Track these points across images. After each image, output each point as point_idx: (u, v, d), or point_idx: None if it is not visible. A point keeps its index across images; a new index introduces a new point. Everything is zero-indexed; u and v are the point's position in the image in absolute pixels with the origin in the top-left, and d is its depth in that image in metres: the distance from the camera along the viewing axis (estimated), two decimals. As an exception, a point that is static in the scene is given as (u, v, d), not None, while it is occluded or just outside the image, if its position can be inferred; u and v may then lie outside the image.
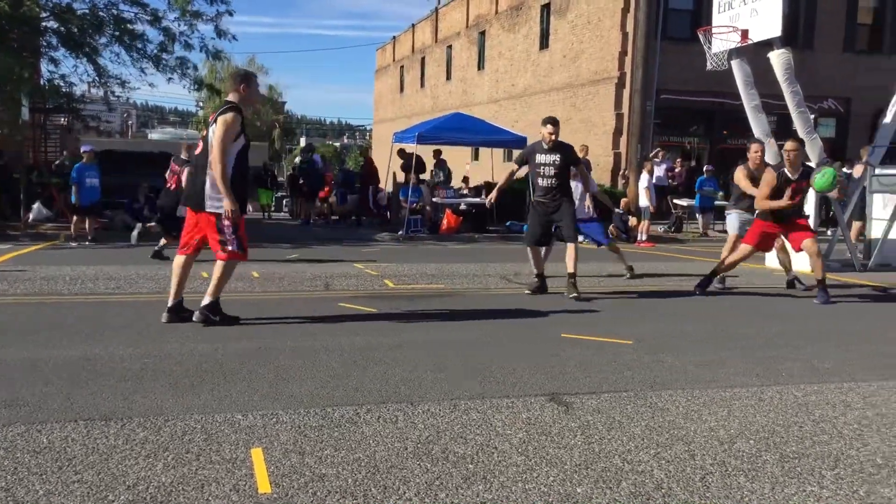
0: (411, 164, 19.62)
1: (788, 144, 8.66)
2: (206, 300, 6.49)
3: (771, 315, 7.88)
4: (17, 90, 17.09)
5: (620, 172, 22.00)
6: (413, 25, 43.68)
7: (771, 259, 11.69)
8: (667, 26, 22.60)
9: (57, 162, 21.90)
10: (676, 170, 21.80)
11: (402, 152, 20.43)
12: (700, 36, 12.64)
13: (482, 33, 33.56)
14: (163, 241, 11.51)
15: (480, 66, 33.80)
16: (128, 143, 46.04)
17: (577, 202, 9.19)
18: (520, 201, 17.83)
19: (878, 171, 12.36)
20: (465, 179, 23.19)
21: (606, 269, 10.67)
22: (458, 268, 11.13)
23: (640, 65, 19.88)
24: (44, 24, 18.18)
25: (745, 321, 7.43)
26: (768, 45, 11.52)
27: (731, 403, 4.55)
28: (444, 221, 17.25)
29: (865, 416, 4.37)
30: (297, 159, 23.69)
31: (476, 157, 30.59)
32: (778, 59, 11.38)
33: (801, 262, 10.12)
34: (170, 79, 19.87)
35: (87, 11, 18.27)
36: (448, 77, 37.72)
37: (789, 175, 8.49)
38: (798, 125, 11.41)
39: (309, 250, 13.61)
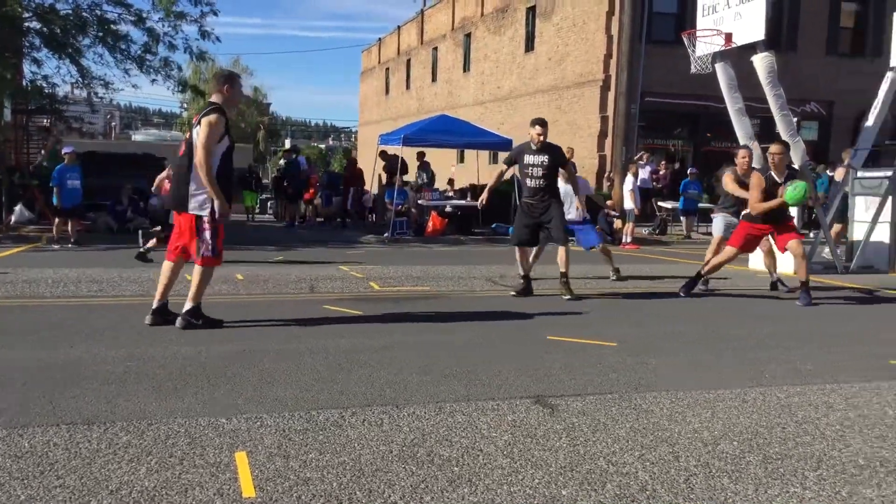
0: (394, 166, 19.65)
1: (773, 148, 8.73)
2: (188, 305, 6.45)
3: (754, 317, 7.93)
4: (-1, 91, 16.98)
5: (605, 175, 22.09)
6: (399, 27, 43.67)
7: (755, 261, 11.77)
8: (651, 29, 22.72)
9: (35, 163, 21.72)
10: (661, 172, 21.91)
11: (384, 154, 20.43)
12: (684, 39, 12.72)
13: (468, 35, 33.60)
14: (151, 243, 11.39)
15: (466, 68, 33.85)
16: (111, 144, 45.75)
17: (566, 204, 9.24)
18: (506, 203, 17.87)
19: (860, 173, 12.49)
20: (451, 182, 23.22)
21: (591, 271, 10.70)
22: (444, 270, 11.13)
23: (624, 68, 19.99)
24: (26, 24, 18.03)
25: (729, 323, 7.47)
26: (752, 48, 11.60)
27: (715, 405, 4.57)
28: (430, 224, 17.25)
29: (848, 417, 4.40)
30: (282, 161, 23.61)
31: (461, 159, 30.63)
32: (761, 63, 11.46)
33: (785, 264, 10.19)
34: (154, 80, 19.78)
35: (70, 12, 18.15)
36: (434, 79, 37.74)
37: (776, 178, 8.55)
38: (781, 128, 11.49)
39: (294, 252, 13.58)
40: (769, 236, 9.05)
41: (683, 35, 12.92)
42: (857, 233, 12.37)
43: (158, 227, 12.89)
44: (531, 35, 28.02)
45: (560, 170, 8.85)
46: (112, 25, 18.58)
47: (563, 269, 8.65)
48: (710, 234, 10.64)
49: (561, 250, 8.64)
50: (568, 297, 8.56)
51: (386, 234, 16.58)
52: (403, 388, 4.78)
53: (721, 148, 23.21)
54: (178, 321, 6.42)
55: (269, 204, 27.65)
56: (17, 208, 17.82)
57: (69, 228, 14.19)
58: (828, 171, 17.64)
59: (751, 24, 11.49)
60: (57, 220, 14.32)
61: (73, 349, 5.65)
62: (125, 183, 16.61)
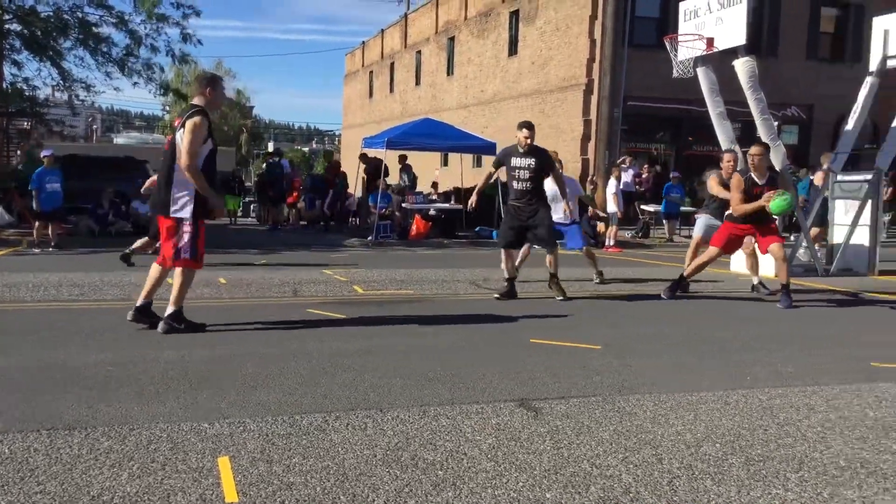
0: (375, 168, 19.65)
1: (753, 149, 8.82)
2: (170, 309, 6.41)
3: (736, 319, 7.98)
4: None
5: (589, 178, 22.16)
6: (382, 31, 43.65)
7: (736, 264, 11.84)
8: (634, 34, 22.83)
9: (8, 168, 21.52)
10: (643, 176, 22.02)
11: (364, 157, 20.42)
12: (666, 44, 12.79)
13: (451, 39, 33.64)
14: (136, 244, 11.12)
15: (450, 71, 33.87)
16: (92, 147, 45.43)
17: (559, 209, 9.39)
18: (489, 206, 17.90)
19: (840, 177, 12.60)
20: (435, 185, 23.22)
21: (575, 274, 10.72)
22: (428, 273, 11.13)
23: (607, 71, 20.09)
24: (6, 26, 17.90)
25: (711, 326, 7.51)
26: (733, 53, 11.69)
27: (698, 407, 4.60)
28: (414, 227, 17.25)
29: (829, 419, 4.44)
30: (264, 165, 23.53)
31: (445, 162, 30.64)
32: (742, 67, 11.54)
33: (767, 267, 10.26)
34: (135, 83, 19.69)
35: (51, 14, 18.03)
36: (417, 83, 37.74)
37: (756, 180, 8.63)
38: (762, 132, 11.58)
39: (277, 256, 13.53)
40: (752, 238, 9.13)
41: (666, 39, 13.00)
42: (837, 236, 12.48)
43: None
44: (514, 39, 28.09)
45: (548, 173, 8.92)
46: (93, 28, 18.49)
47: (552, 272, 8.83)
48: (692, 236, 10.69)
49: (549, 256, 8.78)
50: (560, 297, 8.72)
51: (370, 238, 16.55)
52: (387, 392, 4.77)
53: (703, 152, 23.36)
54: (160, 325, 6.39)
55: (251, 207, 27.55)
56: (-3, 211, 17.68)
57: (50, 232, 14.07)
58: (809, 175, 17.78)
59: (732, 29, 11.58)
60: (37, 223, 14.19)
61: (54, 353, 5.60)
62: (106, 186, 16.49)
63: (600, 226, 16.85)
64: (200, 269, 6.75)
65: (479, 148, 19.63)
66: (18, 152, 22.30)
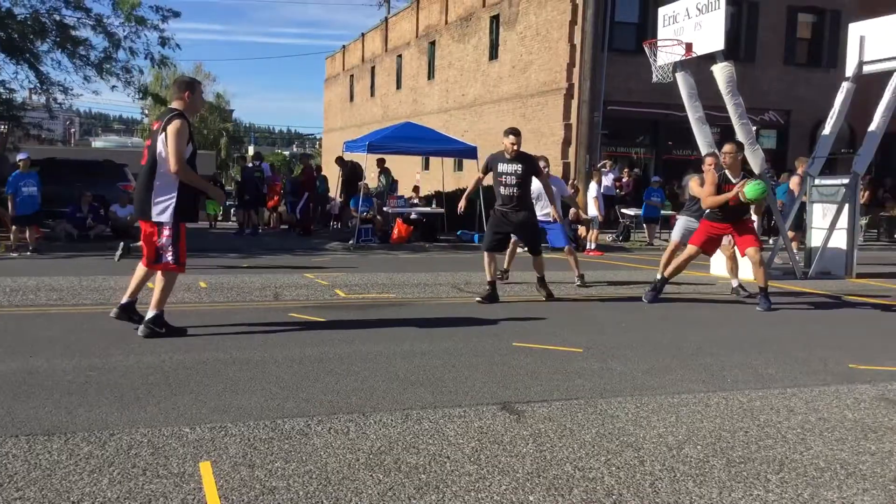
0: (351, 171, 19.61)
1: (725, 147, 8.98)
2: (151, 313, 6.38)
3: (716, 322, 8.04)
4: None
5: (570, 182, 22.24)
6: (363, 35, 43.60)
7: (716, 267, 11.93)
8: (613, 39, 22.97)
9: None
10: (624, 179, 22.12)
11: (340, 160, 20.38)
12: (646, 48, 12.86)
13: (432, 43, 33.67)
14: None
15: (430, 75, 33.90)
16: (71, 151, 45.01)
17: (537, 203, 9.66)
18: (471, 210, 17.89)
19: (817, 181, 12.73)
20: (416, 189, 23.21)
21: (556, 277, 10.75)
22: (410, 277, 11.12)
23: (587, 76, 20.16)
24: (-18, 29, 17.72)
25: (691, 328, 7.56)
26: (711, 58, 11.78)
27: (679, 410, 4.62)
28: (395, 231, 17.22)
29: (808, 420, 4.48)
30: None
31: (426, 166, 30.65)
32: (721, 72, 11.64)
33: (746, 270, 10.33)
34: (113, 87, 19.56)
35: (27, 16, 17.86)
36: (398, 86, 37.73)
37: (730, 177, 8.73)
38: (740, 136, 11.67)
39: (258, 260, 13.47)
40: (731, 239, 9.22)
41: (645, 45, 13.07)
42: (815, 239, 12.60)
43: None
44: (495, 43, 28.16)
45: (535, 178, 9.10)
46: (71, 30, 18.33)
47: (540, 275, 9.12)
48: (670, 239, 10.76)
49: (536, 260, 9.04)
50: (545, 296, 9.04)
51: (351, 241, 16.51)
52: (370, 396, 4.76)
53: (682, 156, 23.55)
54: (141, 329, 6.35)
55: (231, 211, 27.41)
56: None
57: (27, 236, 13.92)
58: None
59: (710, 35, 11.67)
60: (14, 227, 14.03)
61: (32, 359, 5.54)
62: (85, 190, 16.34)
63: (581, 229, 16.90)
64: (183, 273, 6.74)
65: (460, 152, 19.65)
66: None
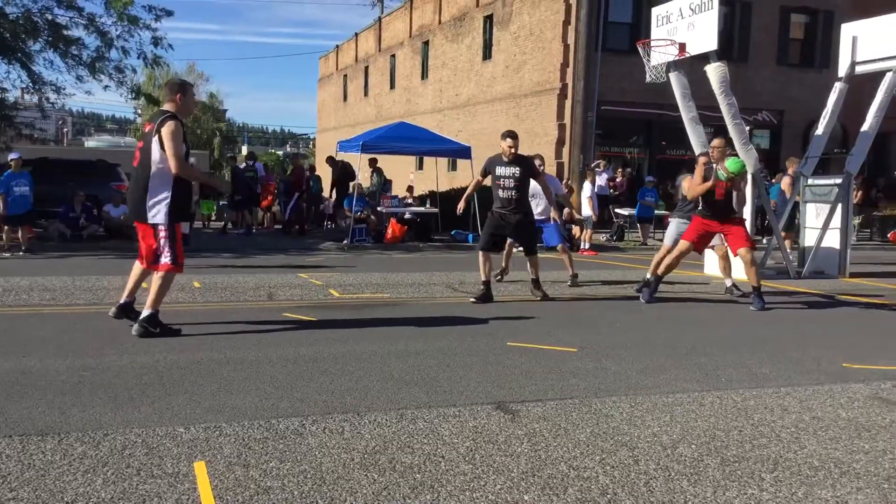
0: (342, 171, 19.58)
1: (714, 142, 9.06)
2: (146, 312, 6.37)
3: (710, 321, 8.06)
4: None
5: (564, 182, 22.27)
6: (356, 34, 43.56)
7: (710, 266, 11.95)
8: (607, 39, 22.99)
9: None
10: (618, 179, 22.15)
11: (331, 160, 20.37)
12: (639, 49, 12.88)
13: (426, 43, 33.66)
14: None
15: (424, 75, 33.89)
16: (63, 150, 44.82)
17: (540, 205, 9.91)
18: (464, 211, 17.87)
19: (810, 181, 12.77)
20: (410, 189, 23.20)
21: (550, 277, 10.76)
22: (404, 277, 11.12)
23: (581, 76, 20.17)
24: (-27, 28, 17.63)
25: (685, 328, 7.57)
26: (705, 58, 11.80)
27: (673, 409, 4.63)
28: (389, 230, 17.21)
29: (802, 419, 4.49)
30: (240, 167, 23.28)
31: (420, 166, 30.64)
32: (714, 72, 11.66)
33: (739, 270, 10.35)
34: (106, 87, 19.47)
35: (19, 15, 17.78)
36: (392, 86, 37.72)
37: (718, 171, 8.79)
38: (734, 136, 11.70)
39: (252, 259, 13.44)
40: (721, 237, 9.26)
41: (638, 45, 13.09)
42: (809, 239, 12.64)
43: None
44: (489, 43, 28.17)
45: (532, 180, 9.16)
46: (63, 30, 18.24)
47: (534, 276, 9.19)
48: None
49: (531, 259, 9.13)
50: (540, 297, 9.08)
51: (345, 241, 16.50)
52: (364, 396, 4.76)
53: (676, 156, 23.58)
54: (135, 328, 6.34)
55: (224, 213, 27.31)
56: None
57: (20, 236, 13.87)
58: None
59: (703, 35, 11.69)
60: (6, 227, 13.97)
61: (26, 359, 5.52)
62: (78, 190, 16.28)
63: (575, 229, 16.91)
64: (181, 273, 6.75)
65: (454, 152, 19.64)
66: None
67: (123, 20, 18.06)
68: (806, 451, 3.95)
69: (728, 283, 9.99)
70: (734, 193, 8.80)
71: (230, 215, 21.11)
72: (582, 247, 16.50)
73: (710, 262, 11.70)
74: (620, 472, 3.58)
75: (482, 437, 4.03)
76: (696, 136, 12.02)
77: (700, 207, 9.02)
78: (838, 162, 17.35)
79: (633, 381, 5.31)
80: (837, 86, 12.35)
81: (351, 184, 19.69)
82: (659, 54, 12.40)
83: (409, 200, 20.41)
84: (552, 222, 10.30)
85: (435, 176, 22.69)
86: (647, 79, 12.69)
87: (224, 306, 8.28)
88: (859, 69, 12.20)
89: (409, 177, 27.56)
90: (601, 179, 19.95)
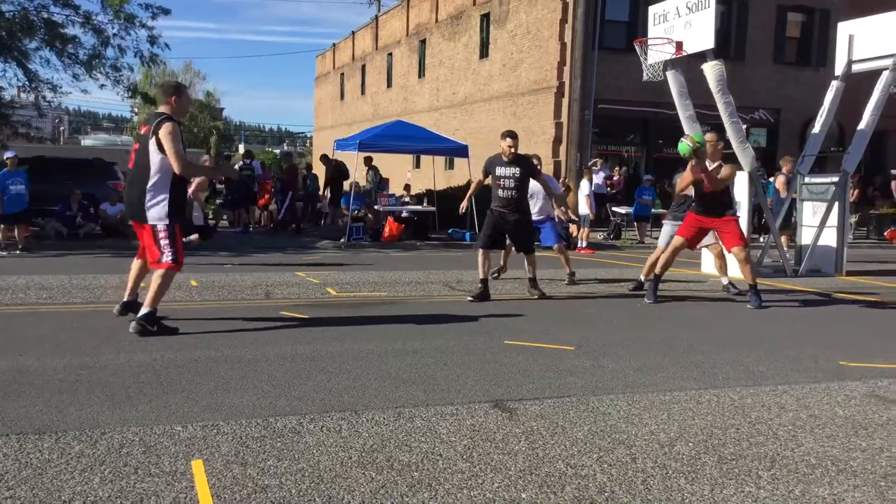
0: (336, 170, 19.56)
1: (706, 136, 9.03)
2: (143, 311, 6.38)
3: (707, 319, 8.06)
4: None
5: (561, 180, 22.28)
6: (353, 33, 43.52)
7: (707, 265, 11.96)
8: (604, 37, 22.98)
9: None
10: (615, 178, 22.15)
11: (325, 158, 20.35)
12: (636, 47, 12.88)
13: (423, 42, 33.64)
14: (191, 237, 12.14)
15: (421, 74, 33.86)
16: (60, 149, 44.75)
17: (537, 204, 9.93)
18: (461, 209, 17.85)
19: (807, 179, 12.78)
20: (407, 187, 23.19)
21: (547, 275, 10.77)
22: (401, 275, 11.11)
23: (578, 74, 20.17)
24: (-31, 26, 17.58)
25: (682, 326, 7.58)
26: (702, 56, 11.81)
27: (671, 407, 4.64)
28: (386, 229, 17.20)
29: (799, 417, 4.50)
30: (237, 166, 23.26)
31: (417, 164, 30.62)
32: (711, 71, 11.67)
33: (735, 268, 10.36)
34: (102, 85, 19.43)
35: (15, 13, 17.73)
36: (389, 85, 37.69)
37: (707, 165, 8.80)
38: (731, 134, 11.71)
39: (249, 258, 13.43)
40: (715, 235, 9.27)
41: (635, 43, 13.10)
42: (806, 237, 12.65)
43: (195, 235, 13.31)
44: (486, 42, 28.15)
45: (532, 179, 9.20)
46: (60, 28, 18.21)
47: (531, 275, 9.19)
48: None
49: (528, 257, 9.15)
50: (536, 295, 9.09)
51: (342, 240, 16.48)
52: (362, 394, 4.76)
53: (673, 154, 23.49)
54: (133, 326, 6.35)
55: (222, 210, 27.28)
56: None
57: (16, 234, 13.84)
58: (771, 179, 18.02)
59: (700, 33, 11.70)
60: (2, 226, 13.94)
61: (23, 357, 5.52)
62: (75, 188, 16.26)
63: (572, 227, 16.92)
64: (180, 272, 6.77)
65: (451, 150, 19.63)
66: None
67: (120, 18, 18.03)
68: (803, 448, 3.96)
69: (724, 281, 9.99)
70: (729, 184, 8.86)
71: (230, 215, 21.10)
72: (579, 245, 16.52)
73: (707, 260, 11.71)
74: (618, 470, 3.59)
75: (480, 435, 4.04)
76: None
77: (694, 203, 9.04)
78: (835, 160, 17.36)
79: (630, 379, 5.32)
80: (834, 84, 12.36)
81: (347, 182, 19.67)
82: (656, 53, 12.40)
83: (407, 199, 20.39)
84: (549, 222, 10.33)
85: (432, 174, 22.67)
86: (645, 77, 12.70)
87: (221, 305, 8.27)
88: (856, 68, 12.21)
89: (406, 175, 27.55)
90: (598, 178, 19.95)
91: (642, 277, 9.76)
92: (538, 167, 10.09)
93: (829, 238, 12.29)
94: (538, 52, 24.61)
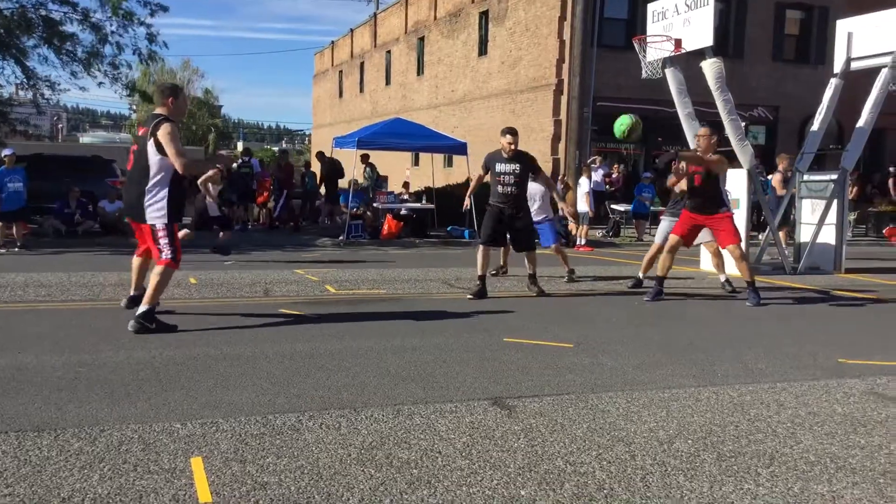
0: (331, 167, 19.55)
1: (700, 130, 9.10)
2: (142, 308, 6.39)
3: (706, 317, 8.07)
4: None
5: (560, 178, 22.27)
6: (351, 30, 43.49)
7: (706, 262, 11.96)
8: (602, 35, 22.99)
9: None
10: (614, 175, 22.14)
11: (321, 156, 20.34)
12: (635, 45, 12.87)
13: (421, 39, 33.61)
14: (221, 235, 12.52)
15: (420, 71, 33.85)
16: (58, 146, 44.69)
17: (537, 203, 9.98)
18: (461, 206, 17.85)
19: (806, 176, 12.79)
20: (406, 185, 23.18)
21: (546, 273, 10.77)
22: (400, 273, 11.11)
23: (576, 72, 20.15)
24: (-32, 24, 17.56)
25: (681, 323, 7.59)
26: (701, 54, 11.80)
27: (670, 404, 4.64)
28: (385, 226, 17.20)
29: (798, 414, 4.50)
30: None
31: (416, 162, 30.61)
32: (710, 68, 11.66)
33: (732, 266, 10.37)
34: (101, 83, 19.39)
35: (13, 10, 17.71)
36: (387, 82, 37.67)
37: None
38: (730, 132, 11.71)
39: (248, 255, 13.42)
40: (710, 233, 9.28)
41: (634, 40, 13.08)
42: (805, 235, 12.66)
43: (186, 231, 13.23)
44: (484, 39, 28.14)
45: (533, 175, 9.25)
46: (58, 26, 18.19)
47: (531, 271, 9.21)
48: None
49: (528, 256, 9.17)
50: (535, 292, 9.11)
51: (341, 238, 16.48)
52: (361, 391, 4.76)
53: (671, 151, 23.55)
54: (131, 324, 6.35)
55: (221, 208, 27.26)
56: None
57: (14, 232, 13.83)
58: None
59: (699, 31, 11.69)
60: (1, 223, 13.92)
61: (21, 355, 5.51)
62: (73, 186, 16.25)
63: (571, 225, 16.92)
64: (178, 270, 6.81)
65: (450, 148, 19.63)
66: None
67: (118, 15, 18.01)
68: (802, 446, 3.96)
69: (722, 278, 10.00)
70: (719, 179, 8.89)
71: (239, 212, 21.09)
72: (578, 243, 16.52)
73: (706, 258, 11.71)
74: (617, 468, 3.59)
75: (479, 432, 4.04)
76: (692, 132, 12.00)
77: (688, 199, 9.05)
78: (834, 158, 17.34)
79: (629, 376, 5.32)
80: (833, 82, 12.35)
81: (342, 181, 19.67)
82: (655, 50, 12.40)
83: (405, 196, 20.39)
84: (548, 223, 10.32)
85: (431, 172, 22.66)
86: (643, 75, 12.69)
87: (220, 302, 8.27)
88: (855, 65, 12.21)
89: (405, 173, 27.55)
90: (597, 175, 19.93)
91: (641, 275, 9.78)
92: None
93: (828, 235, 12.29)
94: (537, 49, 24.60)
